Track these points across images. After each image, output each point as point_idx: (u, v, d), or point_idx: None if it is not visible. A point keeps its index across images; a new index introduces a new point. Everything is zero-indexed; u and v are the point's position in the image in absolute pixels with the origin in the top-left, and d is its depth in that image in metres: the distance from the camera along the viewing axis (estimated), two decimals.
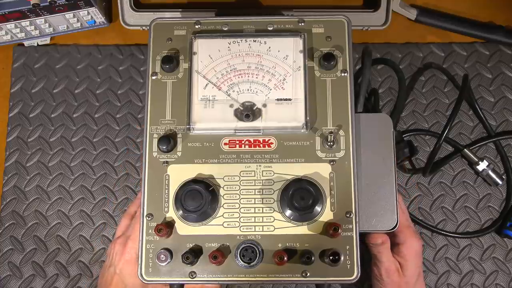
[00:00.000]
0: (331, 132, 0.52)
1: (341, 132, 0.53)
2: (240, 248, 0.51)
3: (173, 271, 0.51)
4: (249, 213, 0.52)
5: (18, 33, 0.74)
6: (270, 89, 0.54)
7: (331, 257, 0.50)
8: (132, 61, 0.76)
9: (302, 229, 0.51)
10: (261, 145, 0.53)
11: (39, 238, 0.71)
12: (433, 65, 0.74)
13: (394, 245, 0.59)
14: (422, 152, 0.73)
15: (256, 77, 0.54)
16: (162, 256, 0.51)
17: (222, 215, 0.52)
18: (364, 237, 0.58)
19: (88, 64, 0.76)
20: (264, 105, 0.54)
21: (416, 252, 0.58)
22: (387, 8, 0.74)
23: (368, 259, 0.61)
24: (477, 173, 0.71)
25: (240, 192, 0.52)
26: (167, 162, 0.53)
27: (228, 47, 0.55)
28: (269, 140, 0.53)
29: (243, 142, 0.53)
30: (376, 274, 0.59)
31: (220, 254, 0.50)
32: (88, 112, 0.74)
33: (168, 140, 0.52)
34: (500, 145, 0.72)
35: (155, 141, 0.53)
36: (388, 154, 0.56)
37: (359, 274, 0.51)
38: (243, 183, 0.52)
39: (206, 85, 0.54)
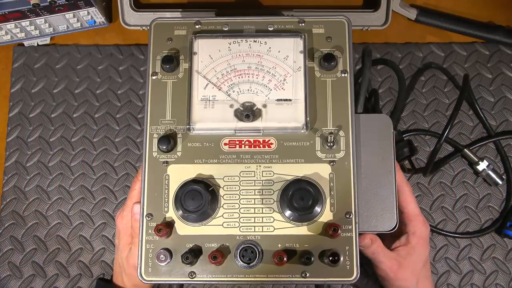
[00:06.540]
0: (331, 133, 0.52)
1: (341, 133, 0.53)
2: (240, 248, 0.51)
3: (173, 271, 0.51)
4: (248, 213, 0.52)
5: (18, 33, 0.74)
6: (270, 90, 0.54)
7: (330, 258, 0.50)
8: (132, 61, 0.76)
9: (302, 230, 0.51)
10: (261, 146, 0.53)
11: (39, 238, 0.71)
12: (433, 65, 0.74)
13: (402, 234, 0.58)
14: (422, 152, 0.73)
15: (257, 78, 0.54)
16: (162, 256, 0.51)
17: (222, 215, 0.52)
18: None
19: (88, 64, 0.76)
20: (264, 106, 0.54)
21: (424, 240, 0.57)
22: (387, 8, 0.74)
23: (368, 260, 0.61)
24: (477, 173, 0.71)
25: (240, 192, 0.52)
26: (167, 162, 0.53)
27: (229, 47, 0.55)
28: (269, 140, 0.53)
29: (243, 142, 0.53)
30: (382, 276, 0.58)
31: (219, 254, 0.50)
32: (88, 112, 0.74)
33: (168, 140, 0.52)
34: (500, 145, 0.72)
35: (155, 141, 0.53)
36: (388, 154, 0.55)
37: (359, 275, 0.51)
38: (243, 183, 0.52)
39: (206, 85, 0.54)
